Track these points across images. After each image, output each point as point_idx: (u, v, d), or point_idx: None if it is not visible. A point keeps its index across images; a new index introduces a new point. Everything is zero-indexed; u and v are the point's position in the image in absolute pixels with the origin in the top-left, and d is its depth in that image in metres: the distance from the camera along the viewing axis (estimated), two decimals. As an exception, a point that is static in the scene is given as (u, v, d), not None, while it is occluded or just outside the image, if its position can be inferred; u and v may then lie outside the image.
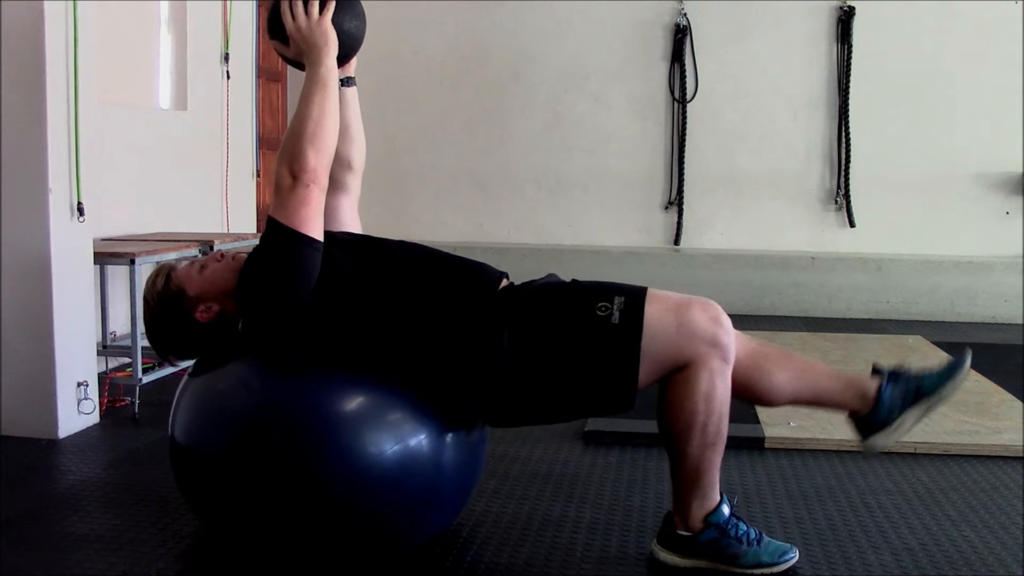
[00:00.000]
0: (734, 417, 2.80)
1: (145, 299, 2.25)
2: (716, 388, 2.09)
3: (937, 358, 2.29)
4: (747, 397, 2.24)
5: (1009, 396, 3.74)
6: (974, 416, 3.44)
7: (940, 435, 3.20)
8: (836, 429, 3.25)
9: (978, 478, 2.87)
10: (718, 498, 2.18)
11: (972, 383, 3.96)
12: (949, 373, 2.19)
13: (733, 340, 2.13)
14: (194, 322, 2.19)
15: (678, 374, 2.10)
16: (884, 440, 2.21)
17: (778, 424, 3.30)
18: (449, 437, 2.19)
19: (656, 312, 2.08)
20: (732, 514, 2.19)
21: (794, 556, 2.20)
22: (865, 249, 6.27)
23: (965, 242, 6.20)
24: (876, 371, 2.22)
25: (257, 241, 2.17)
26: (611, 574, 2.18)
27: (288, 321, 2.10)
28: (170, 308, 2.20)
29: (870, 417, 2.19)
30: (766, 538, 2.20)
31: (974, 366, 4.16)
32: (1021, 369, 4.26)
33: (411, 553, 2.24)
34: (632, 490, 2.74)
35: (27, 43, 3.04)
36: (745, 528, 2.18)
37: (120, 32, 4.34)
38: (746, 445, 3.12)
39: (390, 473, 2.09)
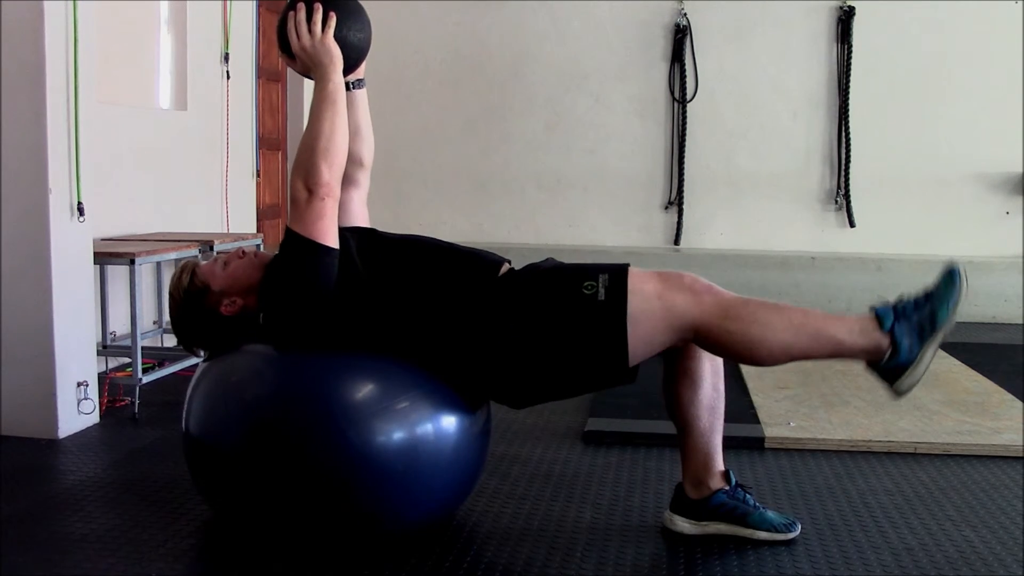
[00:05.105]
0: (735, 417, 2.82)
1: (171, 294, 2.37)
2: (737, 313, 2.13)
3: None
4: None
5: (1009, 396, 3.74)
6: (974, 416, 3.44)
7: (940, 435, 3.20)
8: (836, 429, 3.25)
9: (978, 478, 2.87)
10: (867, 316, 2.19)
11: (972, 383, 3.96)
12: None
13: (707, 281, 2.20)
14: (219, 316, 2.32)
15: (711, 345, 2.18)
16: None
17: (778, 424, 3.30)
18: (455, 424, 2.27)
19: (638, 282, 2.17)
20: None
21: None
22: (865, 249, 6.27)
23: (965, 242, 6.19)
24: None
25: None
26: (611, 574, 2.18)
27: (307, 319, 2.21)
28: (196, 303, 2.33)
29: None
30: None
31: (974, 366, 4.20)
32: (1021, 369, 4.26)
33: (412, 549, 2.24)
34: (632, 490, 2.73)
35: (27, 43, 3.04)
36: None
37: (120, 32, 4.33)
38: (746, 445, 3.11)
39: (397, 458, 2.17)
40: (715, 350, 2.22)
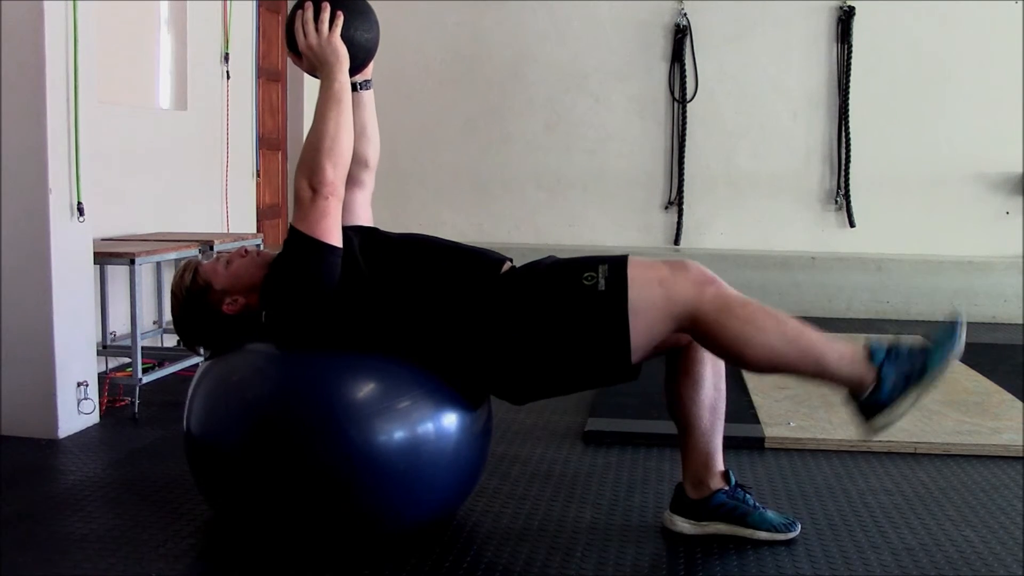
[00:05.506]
0: (735, 417, 2.81)
1: (173, 293, 2.38)
2: (731, 305, 2.13)
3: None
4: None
5: (1009, 396, 3.74)
6: (974, 416, 3.44)
7: (940, 435, 3.20)
8: (836, 429, 3.25)
9: (978, 478, 2.87)
10: (861, 347, 2.17)
11: (972, 383, 3.96)
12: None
13: (707, 270, 2.21)
14: (221, 314, 2.33)
15: (702, 334, 2.15)
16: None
17: (778, 424, 3.30)
18: (456, 424, 2.28)
19: (638, 272, 2.17)
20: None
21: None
22: (865, 249, 6.27)
23: (965, 242, 6.20)
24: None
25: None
26: (611, 574, 2.18)
27: (310, 317, 2.22)
28: (198, 301, 2.34)
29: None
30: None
31: (974, 366, 4.20)
32: (1021, 369, 4.26)
33: (412, 549, 2.24)
34: (632, 490, 2.74)
35: (27, 43, 3.04)
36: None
37: (120, 32, 4.33)
38: (746, 445, 3.11)
39: (398, 458, 2.18)
40: (706, 342, 2.20)
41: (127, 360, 3.83)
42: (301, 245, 2.17)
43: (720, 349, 2.18)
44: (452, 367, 2.25)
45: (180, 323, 2.41)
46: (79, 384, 3.24)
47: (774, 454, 3.09)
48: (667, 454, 2.97)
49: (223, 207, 5.04)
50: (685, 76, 6.36)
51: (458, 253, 2.33)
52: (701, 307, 2.12)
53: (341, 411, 2.16)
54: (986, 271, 5.91)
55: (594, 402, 3.54)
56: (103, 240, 3.88)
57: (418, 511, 2.28)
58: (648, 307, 2.14)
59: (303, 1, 2.25)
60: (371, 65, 2.44)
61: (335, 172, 2.17)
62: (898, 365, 2.11)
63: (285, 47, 2.39)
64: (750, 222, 6.44)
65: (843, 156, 6.29)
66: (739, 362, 2.19)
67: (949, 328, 2.14)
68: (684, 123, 6.39)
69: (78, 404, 3.24)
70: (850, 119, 6.25)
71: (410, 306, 2.23)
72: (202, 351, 2.57)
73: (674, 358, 2.35)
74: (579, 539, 2.37)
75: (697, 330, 2.16)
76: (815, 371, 2.15)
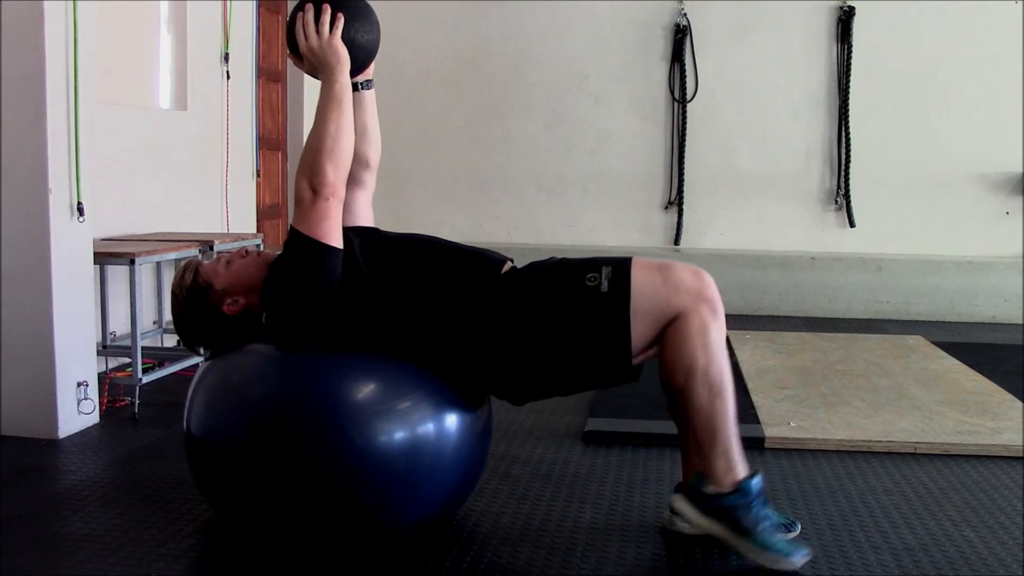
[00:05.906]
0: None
1: (174, 293, 2.38)
2: (709, 332, 2.15)
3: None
4: (665, 355, 2.18)
5: (1009, 396, 3.74)
6: (974, 416, 3.44)
7: (940, 435, 3.20)
8: (836, 429, 3.25)
9: (978, 478, 2.87)
10: (746, 469, 2.22)
11: (972, 383, 3.96)
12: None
13: (718, 296, 2.20)
14: (221, 315, 2.33)
15: (671, 327, 2.16)
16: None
17: (778, 424, 3.30)
18: (457, 424, 2.28)
19: (642, 275, 2.18)
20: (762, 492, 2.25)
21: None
22: (865, 249, 6.27)
23: (965, 242, 6.20)
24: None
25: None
26: (611, 574, 2.18)
27: (311, 318, 2.22)
28: (198, 301, 2.34)
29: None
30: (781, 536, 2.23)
31: (974, 366, 4.20)
32: (1021, 369, 4.26)
33: (412, 549, 2.24)
34: (632, 490, 2.74)
35: (27, 43, 3.04)
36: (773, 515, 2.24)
37: (120, 32, 4.34)
38: (746, 445, 3.07)
39: (399, 458, 2.18)
40: (664, 343, 2.18)
41: (127, 360, 3.83)
42: (302, 246, 2.17)
43: (664, 353, 2.18)
44: (453, 367, 2.25)
45: (180, 323, 2.41)
46: (79, 384, 3.24)
47: (774, 454, 3.09)
48: (667, 454, 2.98)
49: (223, 207, 5.04)
50: (685, 76, 6.37)
51: (459, 253, 2.33)
52: (687, 318, 2.14)
53: (341, 411, 2.16)
54: (986, 271, 5.91)
55: (594, 402, 3.54)
56: (103, 240, 3.88)
57: (418, 511, 2.28)
58: (649, 309, 2.15)
59: (304, 3, 2.26)
60: (372, 65, 2.44)
61: (336, 173, 2.17)
62: (746, 508, 2.16)
63: (286, 48, 2.39)
64: (750, 222, 6.45)
65: (843, 156, 6.29)
66: (663, 368, 2.20)
67: (799, 549, 2.15)
68: (684, 123, 6.39)
69: (78, 404, 3.24)
70: (850, 119, 6.26)
71: (411, 306, 2.24)
72: (202, 351, 2.57)
73: None
74: (579, 539, 2.37)
75: (669, 331, 2.16)
76: (702, 435, 2.21)
